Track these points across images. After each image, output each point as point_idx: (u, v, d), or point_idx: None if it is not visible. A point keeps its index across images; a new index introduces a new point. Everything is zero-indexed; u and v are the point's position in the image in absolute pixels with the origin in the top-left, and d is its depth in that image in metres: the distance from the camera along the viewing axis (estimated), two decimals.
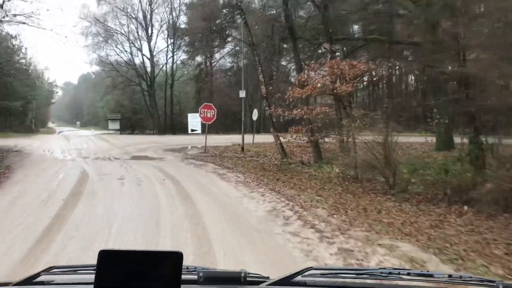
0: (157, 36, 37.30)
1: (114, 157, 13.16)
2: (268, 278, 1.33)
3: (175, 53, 38.37)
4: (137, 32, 32.27)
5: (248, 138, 16.31)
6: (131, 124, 46.12)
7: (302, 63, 10.64)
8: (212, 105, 15.61)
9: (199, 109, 15.66)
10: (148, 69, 33.88)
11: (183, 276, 1.00)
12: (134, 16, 32.03)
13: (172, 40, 34.32)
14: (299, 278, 1.32)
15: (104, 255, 0.96)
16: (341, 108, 9.22)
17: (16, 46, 29.74)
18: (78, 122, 78.73)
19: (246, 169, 10.11)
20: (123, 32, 31.96)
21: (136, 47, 32.16)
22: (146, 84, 33.41)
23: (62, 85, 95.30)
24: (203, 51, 41.46)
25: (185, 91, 47.27)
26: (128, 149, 16.54)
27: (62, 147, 16.80)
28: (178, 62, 42.14)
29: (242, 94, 16.33)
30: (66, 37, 44.98)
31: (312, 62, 9.59)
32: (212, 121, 15.59)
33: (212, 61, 44.35)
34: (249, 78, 40.69)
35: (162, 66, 35.31)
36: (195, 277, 1.26)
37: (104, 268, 0.95)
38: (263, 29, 23.42)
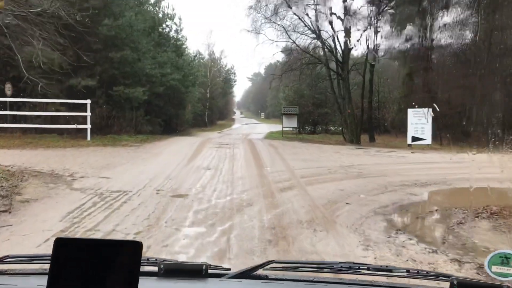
0: None
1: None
2: (229, 270, 1.42)
3: (379, 16, 27.53)
4: None
5: None
6: (313, 120, 38.08)
7: None
8: None
9: None
10: (332, 42, 23.82)
11: (143, 268, 1.14)
12: None
13: None
14: (260, 271, 1.42)
15: (60, 243, 0.96)
16: None
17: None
18: (262, 114, 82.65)
19: None
20: None
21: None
22: (336, 63, 23.65)
23: (251, 76, 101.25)
24: (418, 19, 29.57)
25: (384, 76, 36.27)
26: (283, 193, 7.06)
27: (159, 178, 8.45)
28: (380, 34, 31.05)
29: None
30: None
31: None
32: None
33: (432, 32, 31.37)
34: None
35: (361, 36, 24.90)
36: (156, 268, 1.34)
37: (60, 257, 0.95)
38: None
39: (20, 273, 1.36)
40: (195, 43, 72.01)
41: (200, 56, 56.02)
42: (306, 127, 38.01)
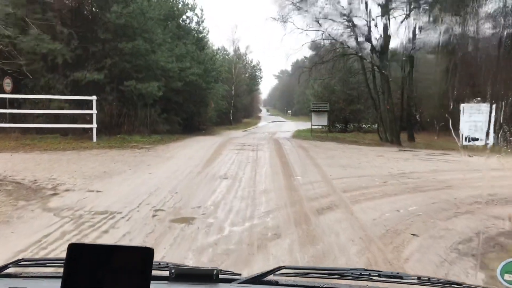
0: None
1: None
2: (240, 275, 1.43)
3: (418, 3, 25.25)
4: None
5: None
6: (343, 118, 35.94)
7: None
8: None
9: None
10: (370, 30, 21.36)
11: (154, 272, 1.10)
12: None
13: None
14: (271, 277, 1.41)
15: (74, 248, 1.01)
16: None
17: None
18: (289, 111, 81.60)
19: None
20: None
21: None
22: (372, 52, 21.34)
23: (277, 73, 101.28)
24: (460, 7, 26.84)
25: (421, 70, 33.62)
26: (322, 216, 5.13)
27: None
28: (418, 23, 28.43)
29: None
30: None
31: None
32: None
33: (475, 22, 28.56)
34: None
35: (400, 25, 22.49)
36: (167, 273, 1.35)
37: (73, 261, 0.99)
38: None
39: (33, 276, 1.37)
40: (220, 39, 71.19)
41: (225, 52, 54.52)
42: (337, 125, 35.90)
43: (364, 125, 36.26)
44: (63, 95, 14.42)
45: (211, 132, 28.35)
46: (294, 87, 75.99)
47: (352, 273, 1.46)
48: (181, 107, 22.31)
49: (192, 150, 13.37)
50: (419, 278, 1.48)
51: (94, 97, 13.62)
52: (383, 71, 20.15)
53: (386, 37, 20.24)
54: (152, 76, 16.34)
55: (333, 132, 33.61)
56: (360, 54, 21.52)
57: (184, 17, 24.75)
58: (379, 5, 19.87)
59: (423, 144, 20.11)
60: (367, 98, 31.46)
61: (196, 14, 25.45)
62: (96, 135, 14.09)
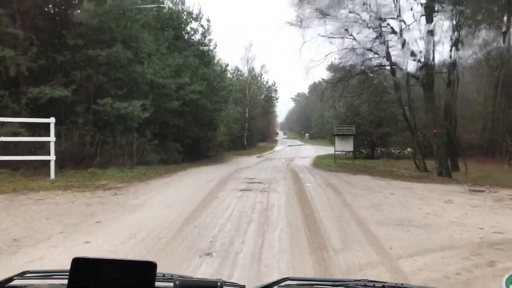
0: None
1: None
2: (244, 287, 1.41)
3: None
4: None
5: None
6: (369, 142, 32.51)
7: None
8: None
9: None
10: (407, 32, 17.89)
11: (158, 284, 1.14)
12: None
13: None
14: None
15: (78, 262, 1.05)
16: None
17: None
18: (306, 134, 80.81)
19: None
20: None
21: None
22: (411, 57, 17.80)
23: (294, 96, 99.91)
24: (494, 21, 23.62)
25: (467, 88, 30.16)
26: None
27: None
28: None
29: None
30: None
31: None
32: None
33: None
34: None
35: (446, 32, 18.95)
36: (171, 284, 1.33)
37: (76, 275, 1.03)
38: None
39: None
40: (233, 59, 68.61)
41: (239, 73, 52.21)
42: (362, 150, 32.46)
43: (393, 150, 32.82)
44: (20, 116, 11.36)
45: (219, 159, 25.08)
46: (311, 109, 73.73)
47: (356, 285, 1.44)
48: (182, 131, 19.16)
49: (178, 191, 9.89)
50: None
51: (52, 120, 10.48)
52: (428, 86, 16.58)
53: (430, 41, 16.75)
54: (137, 93, 13.18)
55: (358, 158, 30.15)
56: (399, 67, 18.05)
57: (188, 28, 21.89)
58: (424, 6, 16.43)
59: (478, 177, 16.30)
60: (398, 120, 28.15)
61: (201, 25, 22.55)
62: (59, 169, 10.93)
